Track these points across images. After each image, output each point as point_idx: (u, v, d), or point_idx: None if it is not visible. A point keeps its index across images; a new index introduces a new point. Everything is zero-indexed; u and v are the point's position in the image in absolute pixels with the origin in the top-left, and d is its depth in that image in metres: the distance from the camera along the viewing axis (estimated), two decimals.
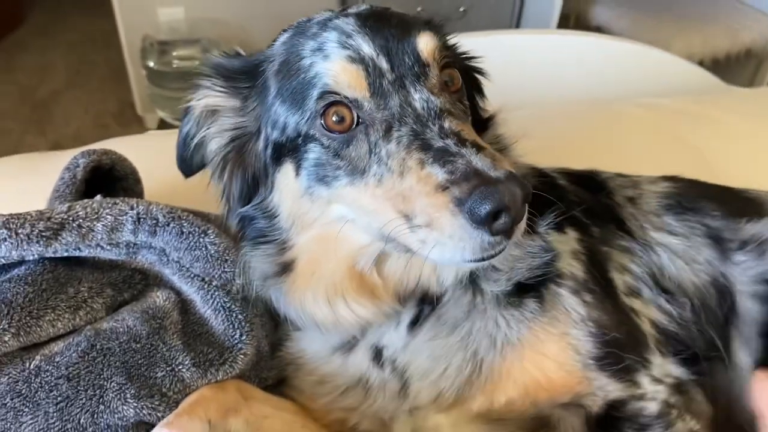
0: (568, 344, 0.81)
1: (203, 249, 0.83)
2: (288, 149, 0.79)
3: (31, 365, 0.75)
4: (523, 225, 0.68)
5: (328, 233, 0.80)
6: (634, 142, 1.52)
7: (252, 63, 0.84)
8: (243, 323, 0.83)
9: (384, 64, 0.73)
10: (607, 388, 0.80)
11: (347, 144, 0.73)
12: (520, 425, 0.82)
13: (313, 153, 0.76)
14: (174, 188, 1.09)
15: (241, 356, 0.82)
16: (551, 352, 0.81)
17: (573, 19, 3.51)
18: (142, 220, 0.81)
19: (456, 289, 0.83)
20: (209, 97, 0.84)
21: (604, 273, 0.90)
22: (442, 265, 0.77)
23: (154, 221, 0.82)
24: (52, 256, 0.80)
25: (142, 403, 0.74)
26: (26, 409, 0.72)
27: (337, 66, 0.73)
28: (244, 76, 0.84)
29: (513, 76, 2.06)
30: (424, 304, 0.83)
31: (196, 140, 0.86)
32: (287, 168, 0.80)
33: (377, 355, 0.84)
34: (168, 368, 0.79)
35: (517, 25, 3.37)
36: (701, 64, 2.68)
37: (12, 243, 0.76)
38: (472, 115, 0.87)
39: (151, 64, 3.24)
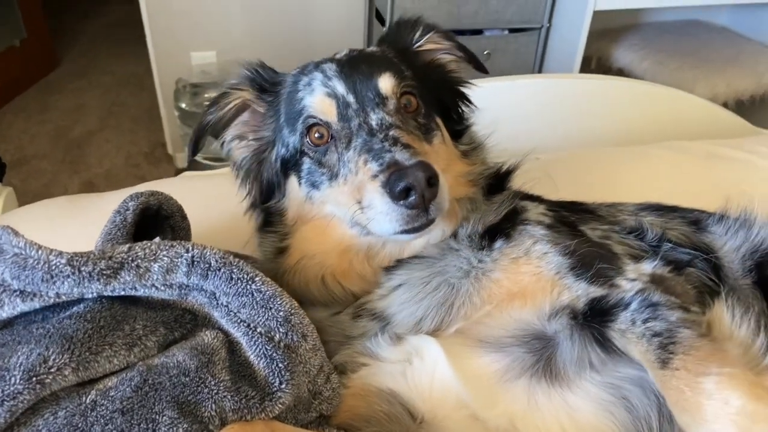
0: (536, 257, 0.94)
1: (250, 296, 0.85)
2: (291, 164, 1.04)
3: (87, 399, 0.76)
4: (441, 202, 0.88)
5: (320, 224, 1.03)
6: (663, 185, 1.53)
7: (277, 80, 1.10)
8: (283, 372, 0.83)
9: (351, 98, 0.99)
10: (587, 291, 0.90)
11: (325, 154, 0.99)
12: (518, 343, 0.90)
13: (306, 164, 1.02)
14: (208, 227, 1.15)
15: (279, 405, 0.83)
16: (522, 267, 0.94)
17: (594, 61, 3.54)
18: (195, 263, 0.83)
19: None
20: (246, 92, 1.09)
21: (573, 227, 1.02)
22: (384, 237, 0.95)
23: (207, 265, 0.84)
24: (110, 294, 0.83)
25: None
26: None
27: (317, 99, 1.01)
28: (270, 89, 1.09)
29: (537, 120, 2.09)
30: (402, 262, 1.00)
31: (218, 128, 1.10)
32: (293, 179, 1.05)
33: (357, 310, 1.00)
34: (214, 405, 0.80)
35: (540, 68, 3.40)
36: (725, 106, 2.70)
37: (75, 280, 0.79)
38: (454, 126, 1.11)
39: (184, 105, 3.34)
